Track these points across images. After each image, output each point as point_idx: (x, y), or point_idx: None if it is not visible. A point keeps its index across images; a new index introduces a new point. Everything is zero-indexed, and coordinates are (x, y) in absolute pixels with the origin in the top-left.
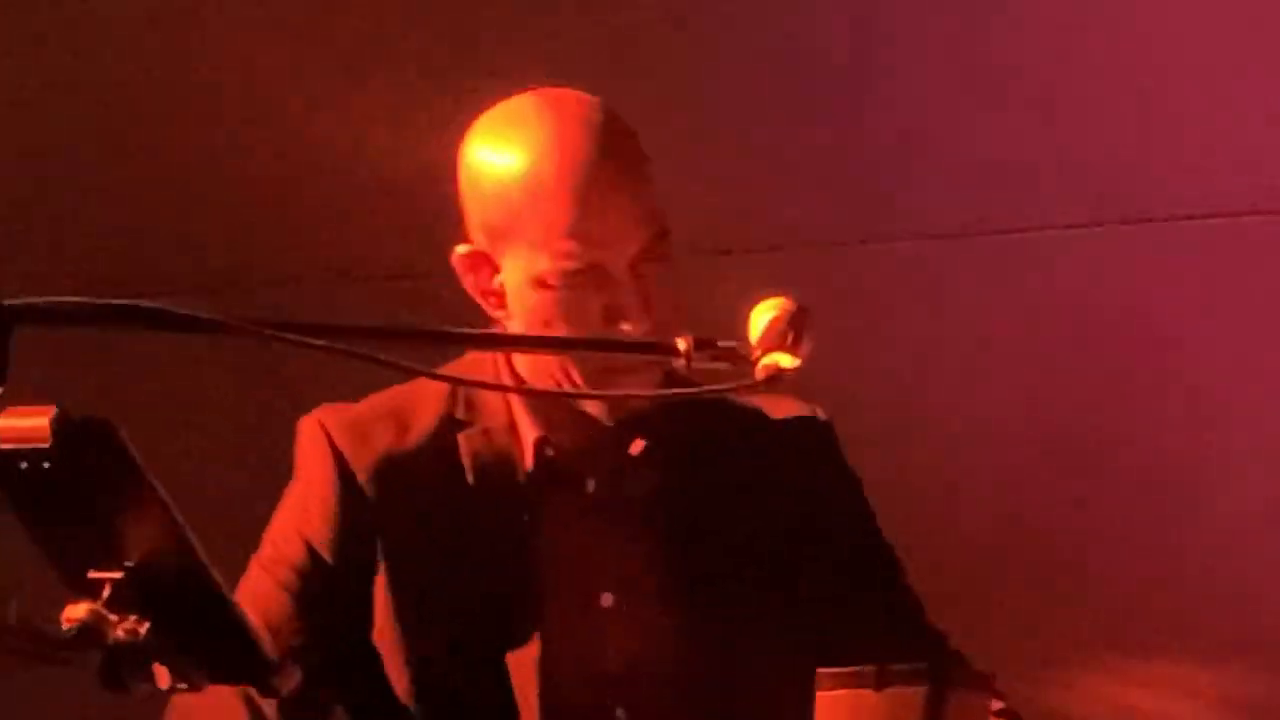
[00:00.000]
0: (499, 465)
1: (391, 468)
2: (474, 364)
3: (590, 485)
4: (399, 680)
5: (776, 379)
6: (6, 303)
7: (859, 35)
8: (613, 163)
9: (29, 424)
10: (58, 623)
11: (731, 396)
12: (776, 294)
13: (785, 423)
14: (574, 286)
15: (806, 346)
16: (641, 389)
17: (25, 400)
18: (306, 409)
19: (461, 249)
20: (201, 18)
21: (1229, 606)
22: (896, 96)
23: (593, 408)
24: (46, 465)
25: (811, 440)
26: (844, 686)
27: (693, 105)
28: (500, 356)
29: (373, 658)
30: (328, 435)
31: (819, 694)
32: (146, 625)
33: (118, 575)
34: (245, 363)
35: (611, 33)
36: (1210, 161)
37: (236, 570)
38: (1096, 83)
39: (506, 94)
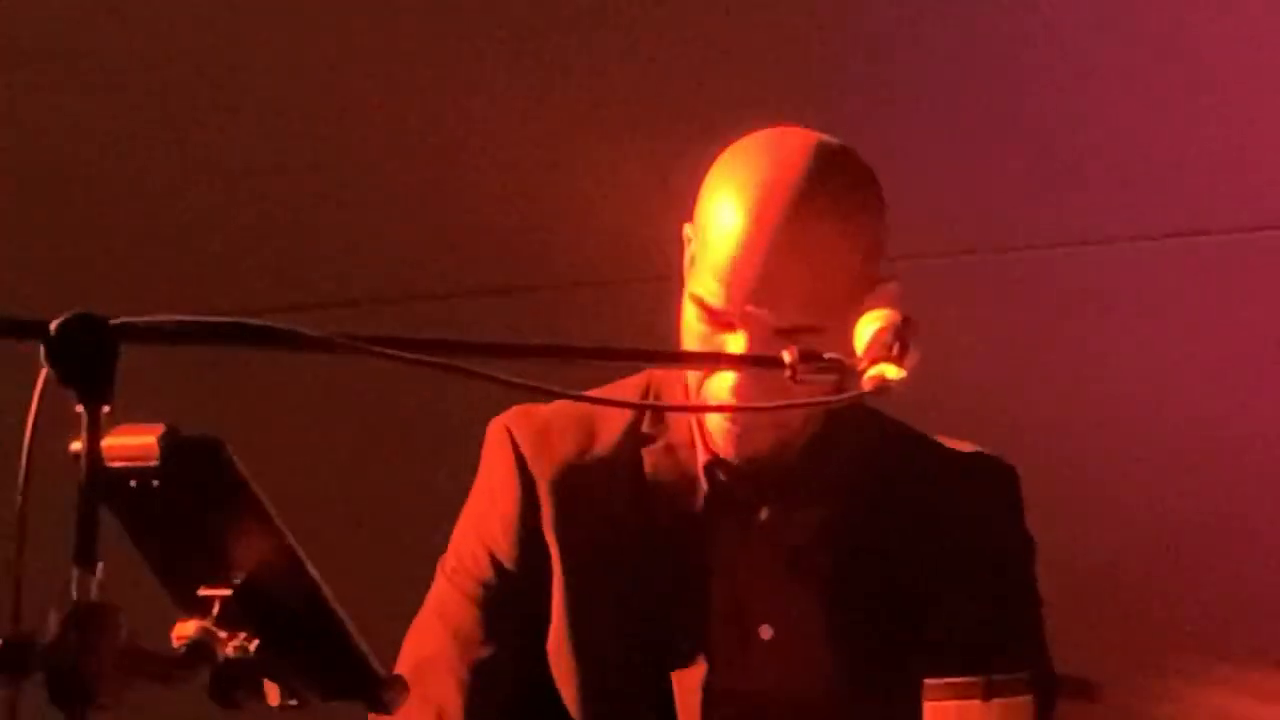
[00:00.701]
0: (679, 483)
1: (573, 479)
2: (665, 374)
3: (764, 514)
4: (567, 689)
5: (883, 390)
6: (113, 321)
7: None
8: (785, 242)
9: (138, 442)
10: (168, 641)
11: (915, 431)
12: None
13: (968, 462)
14: (706, 322)
15: (913, 357)
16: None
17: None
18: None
19: (688, 229)
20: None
21: None
22: (1074, 94)
23: (760, 437)
24: (155, 483)
25: (990, 487)
26: (951, 697)
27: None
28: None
29: (545, 666)
30: (513, 441)
31: (926, 704)
32: (256, 642)
33: (227, 593)
34: (361, 381)
35: (755, 38)
36: None
37: (345, 586)
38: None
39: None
